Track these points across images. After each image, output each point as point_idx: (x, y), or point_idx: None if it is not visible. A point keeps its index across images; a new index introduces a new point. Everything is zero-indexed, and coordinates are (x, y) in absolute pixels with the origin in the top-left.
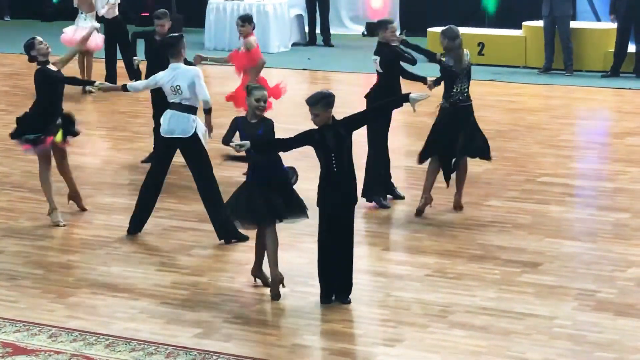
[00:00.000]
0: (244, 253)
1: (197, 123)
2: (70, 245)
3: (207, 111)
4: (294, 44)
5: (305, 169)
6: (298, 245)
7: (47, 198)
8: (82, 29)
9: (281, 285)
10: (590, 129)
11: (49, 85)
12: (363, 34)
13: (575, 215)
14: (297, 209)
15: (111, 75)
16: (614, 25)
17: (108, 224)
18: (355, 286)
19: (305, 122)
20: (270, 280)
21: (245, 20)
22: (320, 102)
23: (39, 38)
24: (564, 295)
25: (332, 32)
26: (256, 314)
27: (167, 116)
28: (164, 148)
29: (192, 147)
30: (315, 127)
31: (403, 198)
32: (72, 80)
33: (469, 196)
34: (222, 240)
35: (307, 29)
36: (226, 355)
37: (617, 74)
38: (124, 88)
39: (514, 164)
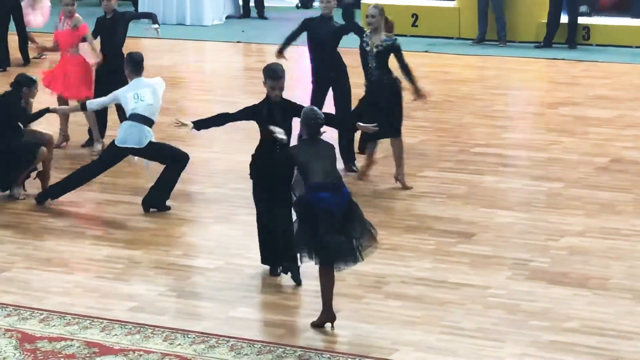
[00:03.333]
0: (178, 227)
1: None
2: (3, 219)
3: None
4: (227, 17)
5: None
6: (233, 217)
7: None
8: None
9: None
10: (523, 100)
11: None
12: (297, 6)
13: (509, 185)
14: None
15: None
16: None
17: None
18: None
19: (241, 95)
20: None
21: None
22: (284, 77)
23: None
24: (498, 264)
25: (266, 4)
26: (191, 286)
27: (125, 126)
28: (115, 155)
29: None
30: (260, 101)
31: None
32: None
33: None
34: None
35: (240, 2)
36: (161, 328)
37: (550, 45)
38: (83, 107)
39: (448, 135)
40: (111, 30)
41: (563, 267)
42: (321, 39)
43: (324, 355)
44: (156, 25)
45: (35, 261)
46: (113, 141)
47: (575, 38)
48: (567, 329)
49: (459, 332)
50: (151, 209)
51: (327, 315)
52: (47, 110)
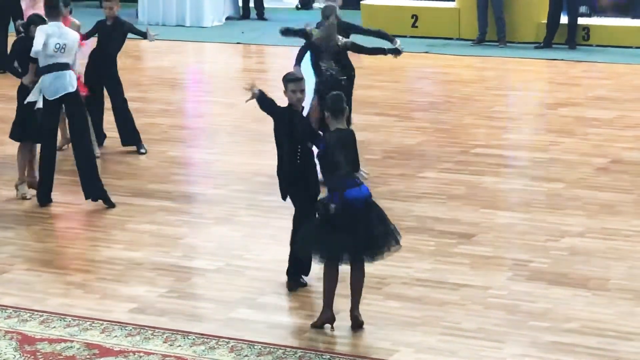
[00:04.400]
0: (179, 228)
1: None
2: (4, 221)
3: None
4: (227, 18)
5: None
6: (233, 219)
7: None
8: None
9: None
10: (523, 100)
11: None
12: (297, 7)
13: (509, 185)
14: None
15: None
16: None
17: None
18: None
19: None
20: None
21: None
22: (304, 80)
23: None
24: (499, 265)
25: (265, 5)
26: (191, 287)
27: (50, 79)
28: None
29: (75, 101)
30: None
31: None
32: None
33: (403, 168)
34: (89, 199)
35: (240, 3)
36: (161, 330)
37: (550, 45)
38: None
39: (447, 136)
40: (109, 36)
41: (563, 267)
42: None
43: (324, 357)
44: (154, 34)
45: (35, 263)
46: (45, 100)
47: (575, 38)
48: (567, 329)
49: (459, 333)
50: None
51: (327, 315)
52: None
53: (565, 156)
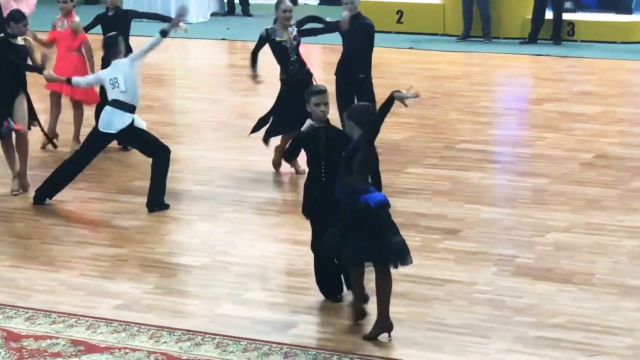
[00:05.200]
0: (164, 224)
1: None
2: None
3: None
4: (212, 14)
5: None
6: (218, 215)
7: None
8: None
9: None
10: (508, 96)
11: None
12: None
13: (494, 181)
14: None
15: None
16: None
17: (27, 196)
18: (275, 254)
19: (226, 92)
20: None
21: None
22: (326, 92)
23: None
24: (484, 261)
25: (250, 1)
26: (177, 284)
27: (108, 112)
28: (99, 141)
29: (131, 134)
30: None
31: None
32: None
33: (388, 163)
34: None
35: None
36: (147, 326)
37: (535, 41)
38: (68, 81)
39: (433, 131)
40: (111, 26)
41: (548, 262)
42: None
43: (310, 352)
44: (183, 26)
45: (20, 259)
46: (95, 126)
47: (560, 34)
48: (552, 324)
49: (445, 329)
50: (155, 209)
51: (384, 324)
52: (39, 69)
53: (550, 151)
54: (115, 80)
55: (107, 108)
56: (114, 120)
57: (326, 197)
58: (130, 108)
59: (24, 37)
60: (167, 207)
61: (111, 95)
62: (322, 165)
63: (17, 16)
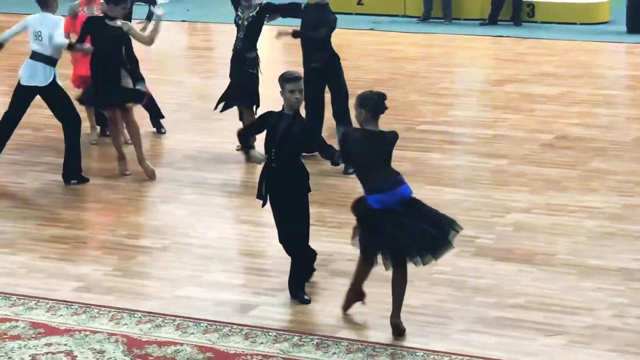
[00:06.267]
0: (124, 206)
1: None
2: None
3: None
4: None
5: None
6: (179, 197)
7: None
8: None
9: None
10: (468, 77)
11: None
12: None
13: (455, 162)
14: None
15: None
16: None
17: None
18: (236, 236)
19: (187, 74)
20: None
21: None
22: (301, 78)
23: None
24: None
25: None
26: (137, 266)
27: (27, 65)
28: (24, 95)
29: (53, 94)
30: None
31: None
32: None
33: None
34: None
35: None
36: (107, 308)
37: (495, 22)
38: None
39: (393, 113)
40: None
41: (508, 243)
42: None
43: (270, 334)
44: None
45: None
46: (19, 81)
47: (520, 15)
48: (512, 305)
49: (406, 309)
50: (72, 182)
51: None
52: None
53: (510, 132)
54: (39, 33)
55: (28, 61)
56: (36, 74)
57: (273, 183)
58: (51, 61)
59: (123, 21)
60: (86, 180)
61: (33, 46)
62: (273, 152)
63: None
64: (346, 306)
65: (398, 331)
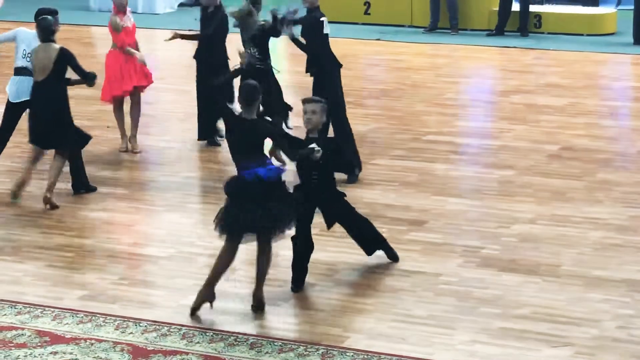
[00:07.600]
0: (130, 215)
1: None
2: None
3: None
4: (180, 5)
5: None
6: (185, 206)
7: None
8: None
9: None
10: (475, 87)
11: None
12: None
13: (461, 172)
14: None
15: None
16: None
17: None
18: (241, 246)
19: (193, 84)
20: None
21: None
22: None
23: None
24: (450, 252)
25: None
26: (142, 275)
27: (13, 82)
28: (15, 112)
29: None
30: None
31: None
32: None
33: None
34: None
35: None
36: (113, 317)
37: (502, 33)
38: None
39: (399, 123)
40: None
41: (514, 254)
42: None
43: (275, 343)
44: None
45: None
46: (7, 100)
47: (527, 26)
48: (517, 315)
49: (410, 320)
50: (81, 191)
51: (207, 293)
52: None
53: (516, 143)
54: (25, 51)
55: (14, 77)
56: (21, 89)
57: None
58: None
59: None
60: (94, 189)
61: (19, 62)
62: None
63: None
64: (197, 306)
65: (260, 305)
